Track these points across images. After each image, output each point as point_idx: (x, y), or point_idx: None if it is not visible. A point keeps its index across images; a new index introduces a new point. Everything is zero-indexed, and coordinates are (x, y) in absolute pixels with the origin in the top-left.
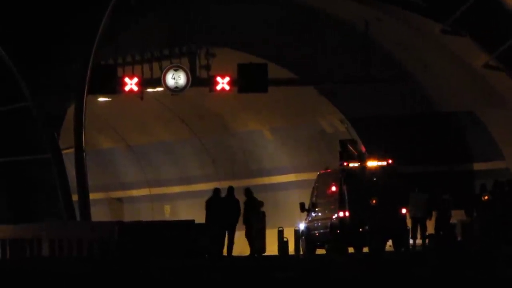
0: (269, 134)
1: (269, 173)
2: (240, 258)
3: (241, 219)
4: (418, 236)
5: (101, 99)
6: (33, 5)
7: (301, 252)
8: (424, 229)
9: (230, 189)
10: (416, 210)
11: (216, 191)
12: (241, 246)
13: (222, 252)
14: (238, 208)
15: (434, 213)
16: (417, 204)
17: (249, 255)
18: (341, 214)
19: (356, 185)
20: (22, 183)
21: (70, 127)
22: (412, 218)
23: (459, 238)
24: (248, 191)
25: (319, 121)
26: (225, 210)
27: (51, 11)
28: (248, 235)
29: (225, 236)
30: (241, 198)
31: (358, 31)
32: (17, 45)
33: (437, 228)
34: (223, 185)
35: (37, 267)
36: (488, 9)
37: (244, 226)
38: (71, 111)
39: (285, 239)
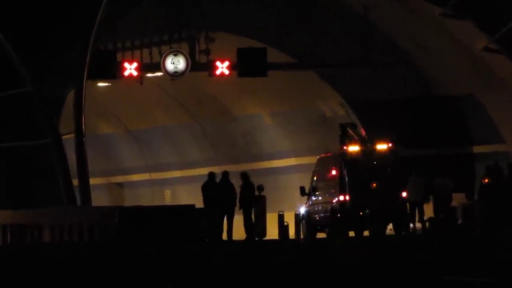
0: (269, 119)
1: (269, 157)
2: (239, 243)
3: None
4: (416, 219)
5: (100, 84)
6: None
7: (302, 236)
8: (421, 213)
9: (225, 174)
10: (414, 194)
11: (211, 175)
12: (241, 231)
13: (221, 236)
14: (233, 192)
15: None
16: (415, 188)
17: (245, 239)
18: (341, 198)
19: (356, 169)
20: (22, 168)
21: (70, 113)
22: (410, 202)
23: (459, 221)
24: (244, 175)
25: (319, 105)
26: (220, 194)
27: None
28: (245, 219)
29: (223, 220)
30: (238, 182)
31: (357, 15)
32: (17, 31)
33: (436, 211)
34: (223, 169)
35: (38, 253)
36: None
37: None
38: (70, 96)
39: (285, 223)
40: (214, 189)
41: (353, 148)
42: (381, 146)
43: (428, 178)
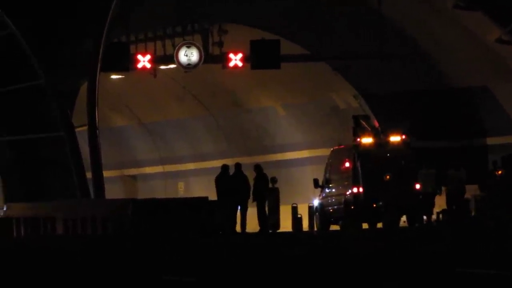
0: (282, 110)
1: (282, 149)
2: (253, 235)
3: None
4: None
5: (114, 76)
6: None
7: (315, 229)
8: (432, 205)
9: (238, 166)
10: (425, 185)
11: (224, 167)
12: (254, 223)
13: (235, 228)
14: (247, 184)
15: (444, 189)
16: (425, 180)
17: (258, 231)
18: (355, 190)
19: (370, 161)
20: (36, 161)
21: (83, 105)
22: (422, 194)
23: (473, 213)
24: (257, 167)
25: (332, 97)
26: (234, 186)
27: None
28: (259, 212)
29: (236, 212)
30: (251, 175)
31: (371, 7)
32: (30, 24)
33: (449, 203)
34: (236, 161)
35: (52, 245)
36: None
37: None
38: (84, 89)
39: (299, 216)
40: (227, 181)
41: (367, 140)
42: (395, 138)
43: (439, 170)
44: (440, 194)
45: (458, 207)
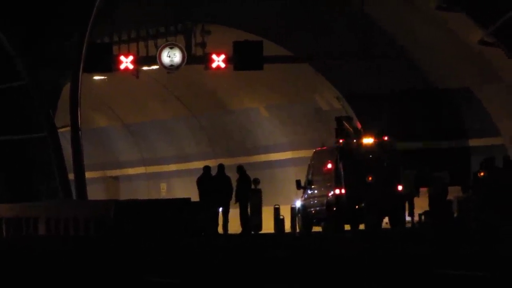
0: (265, 112)
1: (266, 150)
2: (235, 236)
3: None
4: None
5: (96, 77)
6: None
7: (297, 230)
8: (411, 206)
9: (220, 167)
10: (404, 187)
11: (206, 169)
12: (237, 224)
13: (217, 230)
14: (230, 186)
15: (424, 190)
16: (405, 181)
17: (241, 233)
18: (337, 191)
19: (352, 162)
20: (19, 162)
21: (66, 106)
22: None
23: (455, 215)
24: (240, 169)
25: (315, 98)
26: (216, 188)
27: None
28: (241, 213)
29: (219, 214)
30: (234, 176)
31: (353, 7)
32: (12, 23)
33: (431, 205)
34: (219, 162)
35: (34, 246)
36: None
37: (238, 204)
38: (66, 89)
39: (281, 217)
40: (210, 182)
41: (349, 141)
42: (377, 139)
43: (418, 171)
44: (418, 196)
45: (440, 209)
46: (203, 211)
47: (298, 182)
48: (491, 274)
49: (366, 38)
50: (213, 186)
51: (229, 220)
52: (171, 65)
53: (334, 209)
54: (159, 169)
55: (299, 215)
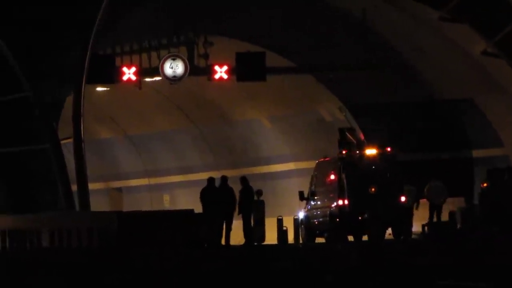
0: (268, 123)
1: (268, 161)
2: (238, 248)
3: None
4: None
5: (99, 88)
6: None
7: (301, 241)
8: (410, 217)
9: (224, 178)
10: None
11: (210, 180)
12: (240, 235)
13: (220, 241)
14: (233, 197)
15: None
16: (407, 193)
17: (243, 244)
18: (340, 202)
19: (355, 173)
20: (21, 173)
21: (69, 118)
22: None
23: (459, 226)
24: (243, 180)
25: (317, 109)
26: (220, 199)
27: None
28: (244, 224)
29: (222, 225)
30: (237, 187)
31: (356, 19)
32: (15, 35)
33: (432, 215)
34: (222, 174)
35: (37, 258)
36: None
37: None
38: (69, 101)
39: (284, 228)
40: (213, 194)
41: (352, 153)
42: (380, 151)
43: (422, 182)
44: (417, 208)
45: (438, 219)
46: (206, 223)
47: (301, 193)
48: (494, 285)
49: (369, 49)
50: (217, 197)
51: (233, 231)
52: (174, 77)
53: (337, 220)
54: (162, 181)
55: (302, 226)
